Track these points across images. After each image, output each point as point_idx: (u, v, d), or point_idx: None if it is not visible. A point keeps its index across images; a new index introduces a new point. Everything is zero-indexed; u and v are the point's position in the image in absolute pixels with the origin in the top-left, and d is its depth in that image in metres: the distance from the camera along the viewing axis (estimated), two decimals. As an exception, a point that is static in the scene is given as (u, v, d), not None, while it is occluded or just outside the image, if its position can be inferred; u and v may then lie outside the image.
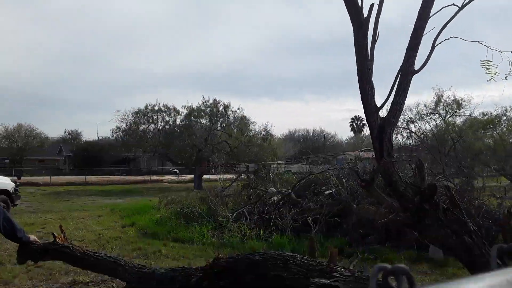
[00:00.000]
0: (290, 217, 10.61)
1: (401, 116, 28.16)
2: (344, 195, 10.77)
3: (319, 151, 59.55)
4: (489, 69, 3.73)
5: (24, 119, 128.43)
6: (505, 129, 29.84)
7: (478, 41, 3.66)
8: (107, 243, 10.03)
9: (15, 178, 16.04)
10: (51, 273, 6.81)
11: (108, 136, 45.43)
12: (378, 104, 3.46)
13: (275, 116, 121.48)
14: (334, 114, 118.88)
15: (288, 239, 9.64)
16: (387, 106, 3.51)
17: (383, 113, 3.61)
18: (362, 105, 3.45)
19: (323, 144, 66.20)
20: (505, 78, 3.93)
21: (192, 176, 32.76)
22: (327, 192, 11.27)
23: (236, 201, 13.87)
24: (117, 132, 34.06)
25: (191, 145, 30.90)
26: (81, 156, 54.51)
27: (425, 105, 29.42)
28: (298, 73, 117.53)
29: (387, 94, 3.49)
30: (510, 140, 30.10)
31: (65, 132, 73.71)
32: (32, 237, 3.90)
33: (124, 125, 33.07)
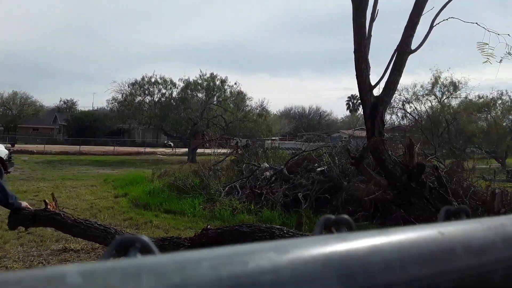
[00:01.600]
0: (281, 193, 10.71)
1: (397, 96, 28.18)
2: (335, 173, 10.85)
3: (315, 128, 59.67)
4: (484, 51, 3.73)
5: (20, 87, 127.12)
6: (499, 112, 30.01)
7: (476, 23, 3.65)
8: (99, 212, 10.11)
9: (9, 145, 16.01)
10: (42, 240, 6.88)
11: (103, 107, 45.20)
12: (373, 83, 3.47)
13: (272, 92, 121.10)
14: (331, 92, 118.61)
15: (278, 213, 9.76)
16: (382, 85, 3.52)
17: (378, 91, 3.62)
18: (357, 83, 3.46)
19: (319, 122, 66.29)
20: (500, 61, 3.94)
21: (186, 149, 32.81)
22: (319, 169, 11.34)
23: (229, 175, 13.95)
24: (112, 103, 33.93)
25: (186, 118, 30.82)
26: (76, 125, 54.31)
27: (421, 86, 29.46)
28: (296, 50, 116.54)
29: (382, 73, 3.49)
30: (504, 124, 30.31)
31: (60, 101, 73.18)
32: (24, 203, 3.93)
33: (120, 96, 32.91)
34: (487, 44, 3.69)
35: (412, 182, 2.94)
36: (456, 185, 10.44)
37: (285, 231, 2.98)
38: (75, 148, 37.65)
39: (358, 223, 9.22)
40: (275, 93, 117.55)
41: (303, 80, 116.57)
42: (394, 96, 28.42)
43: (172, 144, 44.22)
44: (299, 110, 73.50)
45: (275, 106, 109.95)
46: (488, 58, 3.80)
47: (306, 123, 66.17)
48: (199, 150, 30.84)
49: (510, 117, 30.89)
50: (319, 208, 10.20)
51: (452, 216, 0.44)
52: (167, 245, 3.28)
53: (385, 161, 3.16)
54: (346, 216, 0.40)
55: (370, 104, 3.35)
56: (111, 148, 40.85)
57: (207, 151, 27.84)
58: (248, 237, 2.90)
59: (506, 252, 0.39)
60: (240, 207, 10.11)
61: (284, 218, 9.42)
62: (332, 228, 0.42)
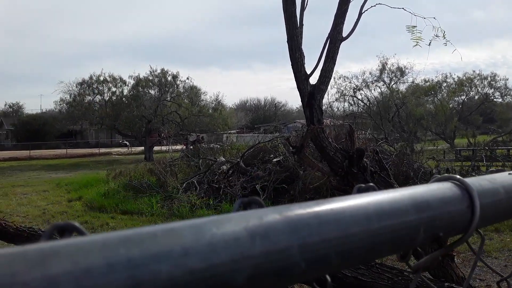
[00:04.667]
0: (239, 186, 10.76)
1: (348, 84, 28.83)
2: (291, 162, 11.01)
3: (271, 120, 60.09)
4: (414, 34, 3.88)
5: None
6: (445, 95, 31.34)
7: (403, 8, 3.79)
8: (52, 218, 9.83)
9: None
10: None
11: (52, 109, 43.55)
12: (308, 72, 3.54)
13: (226, 85, 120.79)
14: (284, 83, 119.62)
15: (237, 206, 9.81)
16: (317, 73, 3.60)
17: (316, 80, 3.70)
18: (293, 73, 3.52)
19: (275, 113, 66.80)
20: (429, 44, 4.12)
21: (143, 148, 32.26)
22: (275, 160, 11.48)
23: (186, 171, 13.85)
24: (61, 104, 32.88)
25: (140, 116, 30.26)
26: (24, 129, 52.01)
27: (370, 73, 30.26)
28: (245, 42, 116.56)
29: (316, 62, 3.57)
30: (450, 105, 31.70)
31: (5, 105, 69.81)
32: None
33: (68, 96, 31.92)
34: (415, 26, 3.84)
35: (354, 168, 3.04)
36: (406, 167, 10.89)
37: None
38: (25, 153, 36.11)
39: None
40: (229, 87, 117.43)
41: (256, 72, 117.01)
42: (345, 84, 29.13)
43: (127, 143, 43.28)
44: (254, 102, 73.76)
45: (230, 99, 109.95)
46: (417, 42, 3.97)
47: (263, 115, 66.59)
48: (156, 148, 30.38)
49: (455, 98, 32.35)
50: (277, 198, 10.35)
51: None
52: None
53: (326, 148, 3.24)
54: (255, 197, 0.44)
55: (307, 93, 3.42)
56: (63, 151, 39.50)
57: (164, 148, 27.49)
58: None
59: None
60: (198, 203, 10.07)
61: (243, 210, 9.48)
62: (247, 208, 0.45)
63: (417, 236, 0.40)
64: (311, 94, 3.39)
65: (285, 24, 3.49)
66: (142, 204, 10.39)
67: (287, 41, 3.50)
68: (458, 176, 0.48)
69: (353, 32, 3.61)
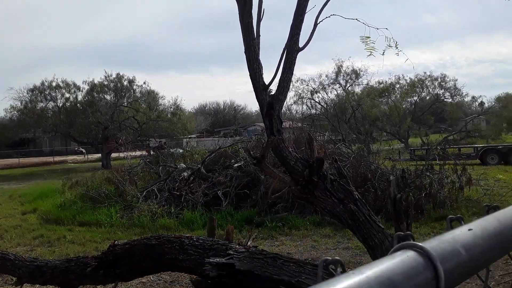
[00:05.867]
0: (200, 192, 10.68)
1: (305, 87, 29.26)
2: (252, 167, 11.04)
3: (231, 123, 60.05)
4: (367, 44, 4.01)
5: None
6: (398, 96, 32.41)
7: (356, 19, 3.90)
8: (6, 232, 9.43)
9: None
10: None
11: (2, 116, 41.61)
12: (267, 82, 3.57)
13: (184, 89, 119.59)
14: (242, 86, 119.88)
15: (199, 214, 9.73)
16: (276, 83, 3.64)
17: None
18: (251, 83, 3.54)
19: (234, 116, 66.76)
20: (383, 53, 4.27)
21: (100, 155, 31.41)
22: (236, 165, 11.47)
23: (145, 179, 13.60)
24: (11, 112, 31.53)
25: (95, 123, 29.46)
26: (-29, 139, 49.33)
27: (326, 76, 30.87)
28: (202, 46, 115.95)
29: (274, 72, 3.61)
30: (403, 106, 32.80)
31: (-51, 113, 66.01)
32: None
33: (19, 103, 30.65)
34: (369, 37, 3.97)
35: (314, 176, 3.09)
36: (364, 169, 11.16)
37: (194, 239, 2.96)
38: (-27, 164, 34.27)
39: (278, 214, 9.51)
40: (187, 91, 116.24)
41: (214, 75, 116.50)
42: (303, 86, 29.57)
43: (84, 151, 41.97)
44: (213, 106, 73.51)
45: (189, 103, 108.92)
46: (371, 52, 4.10)
47: (222, 119, 66.44)
48: (114, 155, 29.64)
49: (408, 99, 33.51)
50: (240, 203, 10.34)
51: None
52: (73, 266, 3.11)
53: (286, 158, 3.27)
54: (338, 258, 0.44)
55: (266, 103, 3.44)
56: (15, 160, 37.76)
57: (122, 155, 26.87)
58: (157, 249, 2.85)
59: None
60: (160, 211, 9.91)
61: (206, 218, 9.37)
62: (330, 267, 0.45)
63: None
64: (270, 105, 3.42)
65: (242, 35, 3.50)
66: (101, 214, 10.12)
67: (244, 51, 3.52)
68: (420, 244, 0.49)
69: (309, 42, 3.67)
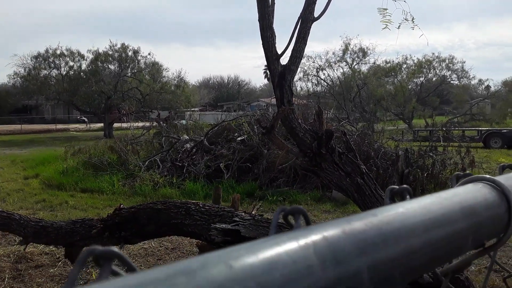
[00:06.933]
0: (203, 164, 10.69)
1: (312, 64, 28.97)
2: (255, 141, 11.03)
3: (234, 98, 59.82)
4: (384, 16, 3.91)
5: None
6: (405, 76, 32.12)
7: (376, -13, 3.80)
8: (8, 195, 9.49)
9: None
10: None
11: (5, 83, 41.50)
12: (279, 52, 3.50)
13: (188, 62, 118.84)
14: (248, 61, 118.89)
15: (201, 185, 9.76)
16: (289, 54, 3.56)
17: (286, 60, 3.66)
18: (264, 52, 3.47)
19: (238, 91, 66.48)
20: (399, 27, 4.17)
21: (102, 124, 31.40)
22: (239, 138, 11.45)
23: (148, 149, 13.60)
24: (15, 78, 31.39)
25: (99, 92, 29.34)
26: (-26, 104, 49.35)
27: (333, 53, 30.55)
28: (209, 19, 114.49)
29: (287, 42, 3.53)
30: (409, 87, 32.56)
31: (-48, 77, 65.85)
32: None
33: (22, 70, 30.48)
34: (386, 9, 3.88)
35: (322, 149, 3.06)
36: (367, 147, 11.14)
37: (201, 206, 2.96)
38: (-24, 128, 34.39)
39: (280, 189, 9.55)
40: (191, 63, 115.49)
41: (219, 49, 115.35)
42: (309, 63, 29.26)
43: (86, 120, 41.99)
44: (217, 80, 73.06)
45: (193, 76, 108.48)
46: (386, 25, 4.00)
47: (226, 93, 66.15)
48: (116, 125, 29.62)
49: (414, 80, 33.23)
50: (241, 176, 10.37)
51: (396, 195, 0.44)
52: (78, 227, 3.12)
53: (295, 129, 3.24)
54: (300, 206, 0.40)
55: (278, 73, 3.38)
56: (17, 126, 37.89)
57: (125, 125, 26.84)
58: (163, 214, 2.85)
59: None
60: (161, 181, 9.94)
61: (208, 189, 9.43)
62: (288, 217, 0.41)
63: (466, 245, 0.38)
64: (282, 75, 3.36)
65: (257, 2, 3.42)
66: (103, 182, 10.16)
67: (258, 19, 3.43)
68: (492, 177, 0.46)
69: (324, 12, 3.59)
